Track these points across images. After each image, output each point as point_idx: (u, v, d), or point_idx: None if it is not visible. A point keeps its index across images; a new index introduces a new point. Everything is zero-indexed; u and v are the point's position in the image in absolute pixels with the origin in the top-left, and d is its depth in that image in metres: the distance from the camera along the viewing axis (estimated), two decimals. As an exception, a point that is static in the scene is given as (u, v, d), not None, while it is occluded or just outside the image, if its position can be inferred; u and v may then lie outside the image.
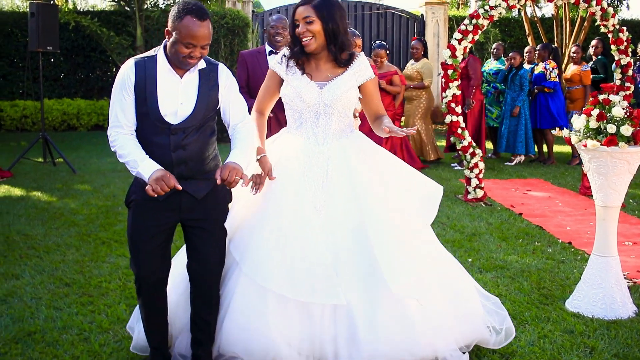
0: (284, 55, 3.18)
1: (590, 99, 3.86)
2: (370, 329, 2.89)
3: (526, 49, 10.25)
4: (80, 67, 14.88)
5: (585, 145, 3.73)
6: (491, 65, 10.31)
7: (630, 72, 7.58)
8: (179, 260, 3.16)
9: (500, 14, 6.80)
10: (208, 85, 2.90)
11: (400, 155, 8.45)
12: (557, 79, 9.52)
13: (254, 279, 2.92)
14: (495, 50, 10.36)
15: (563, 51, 13.33)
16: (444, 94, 7.06)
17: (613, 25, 7.27)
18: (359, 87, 3.16)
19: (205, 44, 2.78)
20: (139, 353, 3.23)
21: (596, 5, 7.03)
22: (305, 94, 3.08)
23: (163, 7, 13.58)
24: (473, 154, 6.99)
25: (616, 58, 7.59)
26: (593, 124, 3.73)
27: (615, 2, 16.45)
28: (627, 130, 3.62)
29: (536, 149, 10.06)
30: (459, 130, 6.99)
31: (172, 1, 13.64)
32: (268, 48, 4.93)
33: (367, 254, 2.96)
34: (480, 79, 9.44)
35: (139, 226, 2.91)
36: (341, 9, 3.06)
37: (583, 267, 4.09)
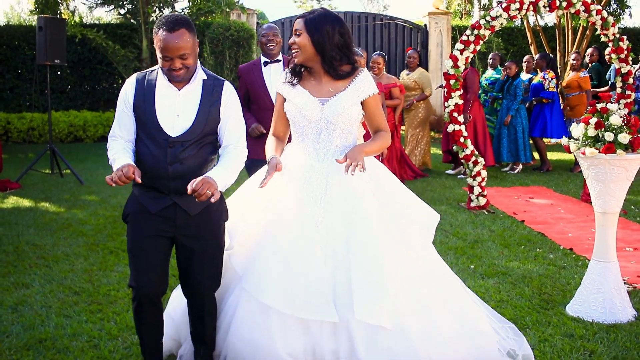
0: (287, 71, 3.21)
1: (589, 107, 3.94)
2: (369, 345, 2.89)
3: (525, 58, 10.32)
4: (86, 79, 15.04)
5: (584, 153, 3.81)
6: (487, 74, 10.38)
7: (630, 80, 7.65)
8: None
9: (502, 24, 6.89)
10: (210, 100, 2.94)
11: (397, 166, 8.47)
12: (555, 89, 9.59)
13: (252, 294, 2.95)
14: (491, 60, 10.43)
15: (566, 60, 13.42)
16: (446, 104, 7.15)
17: (613, 34, 7.34)
18: (361, 103, 3.13)
19: (181, 54, 2.78)
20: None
21: (596, 15, 7.10)
22: (306, 110, 3.09)
23: (168, 20, 13.70)
24: (476, 162, 7.06)
25: (617, 67, 7.66)
26: (591, 132, 3.81)
27: (618, 10, 16.55)
28: (624, 137, 3.69)
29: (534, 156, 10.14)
30: (462, 139, 7.07)
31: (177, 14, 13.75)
32: (263, 59, 4.90)
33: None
34: (477, 93, 9.44)
35: (137, 238, 2.94)
36: (334, 23, 3.03)
37: (584, 273, 4.14)
